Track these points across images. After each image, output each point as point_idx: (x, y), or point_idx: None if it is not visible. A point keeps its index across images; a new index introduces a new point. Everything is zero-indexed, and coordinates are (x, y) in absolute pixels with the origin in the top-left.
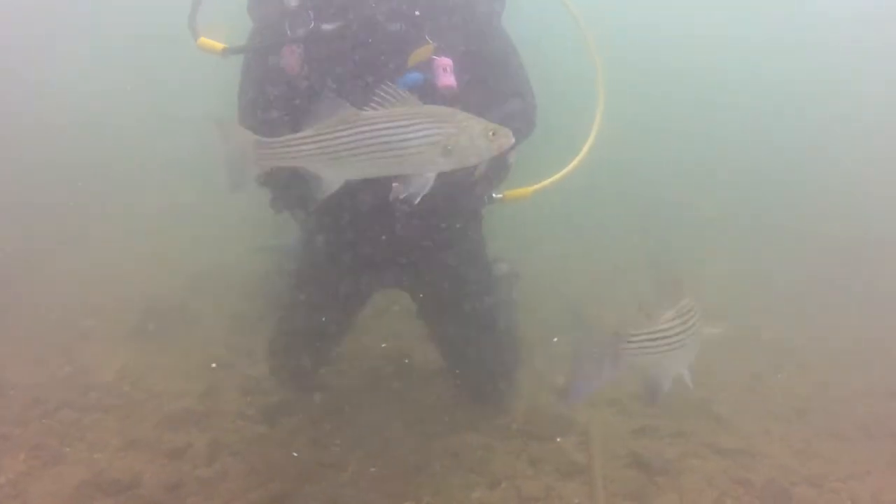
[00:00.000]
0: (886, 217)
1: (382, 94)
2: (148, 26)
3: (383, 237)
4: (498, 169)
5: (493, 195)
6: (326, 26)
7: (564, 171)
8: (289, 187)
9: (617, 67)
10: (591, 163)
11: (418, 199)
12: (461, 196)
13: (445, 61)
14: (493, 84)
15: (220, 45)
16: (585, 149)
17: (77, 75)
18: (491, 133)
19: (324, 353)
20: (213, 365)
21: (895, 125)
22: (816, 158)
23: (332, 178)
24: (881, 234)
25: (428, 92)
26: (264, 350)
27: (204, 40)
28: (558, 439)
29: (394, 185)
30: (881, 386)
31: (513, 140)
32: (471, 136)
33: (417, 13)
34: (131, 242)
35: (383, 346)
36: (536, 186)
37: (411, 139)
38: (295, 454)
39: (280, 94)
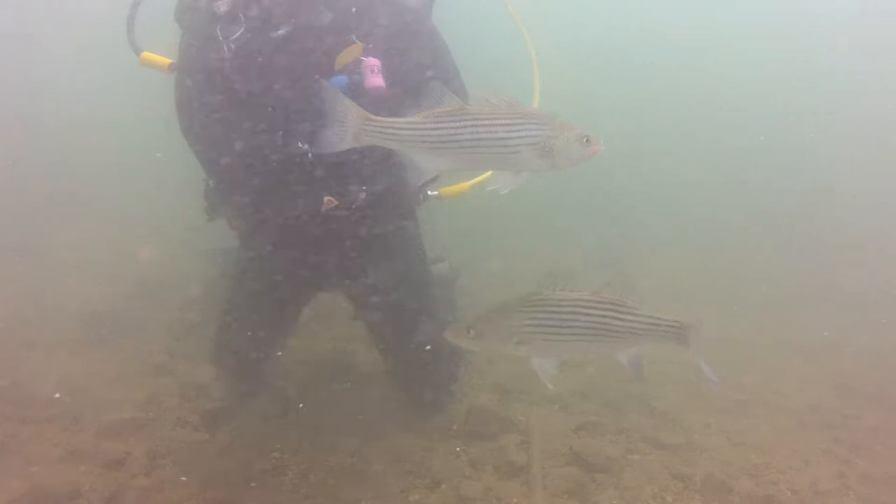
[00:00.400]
0: (851, 218)
1: (487, 96)
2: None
3: (316, 242)
4: None
5: (429, 193)
6: (274, 32)
7: None
8: (222, 195)
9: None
10: None
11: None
12: (393, 197)
13: (373, 62)
14: (423, 82)
15: (166, 61)
16: None
17: None
18: (585, 139)
19: (265, 356)
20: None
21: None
22: (782, 157)
23: (429, 166)
24: (843, 233)
25: (355, 93)
26: (208, 355)
27: (147, 55)
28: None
29: (325, 198)
30: (819, 378)
31: (602, 147)
32: (567, 141)
33: (354, 10)
34: (72, 250)
35: (288, 343)
36: (473, 182)
37: (512, 138)
38: (234, 462)
39: (216, 98)
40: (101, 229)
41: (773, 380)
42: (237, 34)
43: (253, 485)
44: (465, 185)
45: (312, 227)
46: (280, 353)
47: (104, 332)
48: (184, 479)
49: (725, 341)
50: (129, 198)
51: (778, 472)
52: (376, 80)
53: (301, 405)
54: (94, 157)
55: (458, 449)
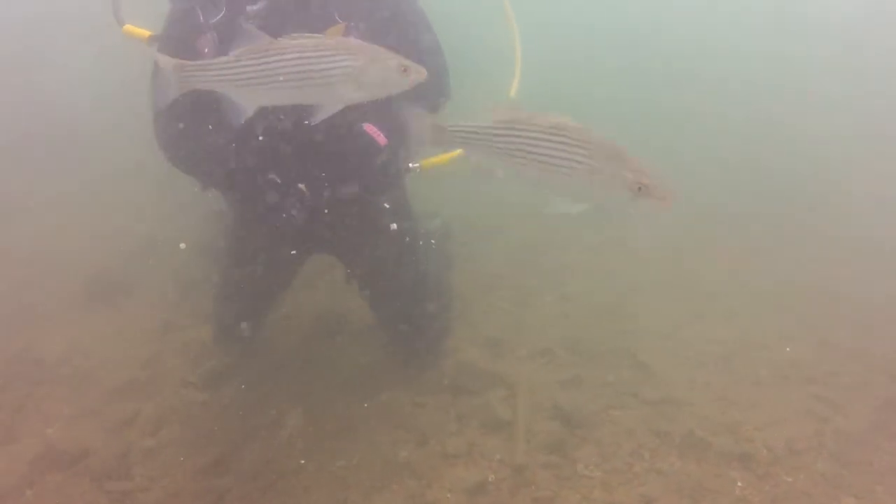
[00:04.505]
0: (837, 165)
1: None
2: None
3: (300, 205)
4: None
5: (410, 165)
6: (250, 6)
7: None
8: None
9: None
10: None
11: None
12: (369, 172)
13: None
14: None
15: (146, 33)
16: None
17: None
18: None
19: (262, 317)
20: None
21: None
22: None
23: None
24: (829, 179)
25: None
26: (207, 314)
27: (129, 27)
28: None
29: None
30: (797, 331)
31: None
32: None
33: None
34: (74, 211)
35: (285, 301)
36: (453, 154)
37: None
38: (233, 420)
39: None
40: (100, 188)
41: (753, 333)
42: (218, 17)
43: (250, 442)
44: (444, 157)
45: (293, 191)
46: (276, 313)
47: (110, 294)
48: (187, 438)
49: (703, 293)
50: (128, 155)
51: (755, 429)
52: None
53: (297, 363)
54: (92, 119)
55: (446, 404)
